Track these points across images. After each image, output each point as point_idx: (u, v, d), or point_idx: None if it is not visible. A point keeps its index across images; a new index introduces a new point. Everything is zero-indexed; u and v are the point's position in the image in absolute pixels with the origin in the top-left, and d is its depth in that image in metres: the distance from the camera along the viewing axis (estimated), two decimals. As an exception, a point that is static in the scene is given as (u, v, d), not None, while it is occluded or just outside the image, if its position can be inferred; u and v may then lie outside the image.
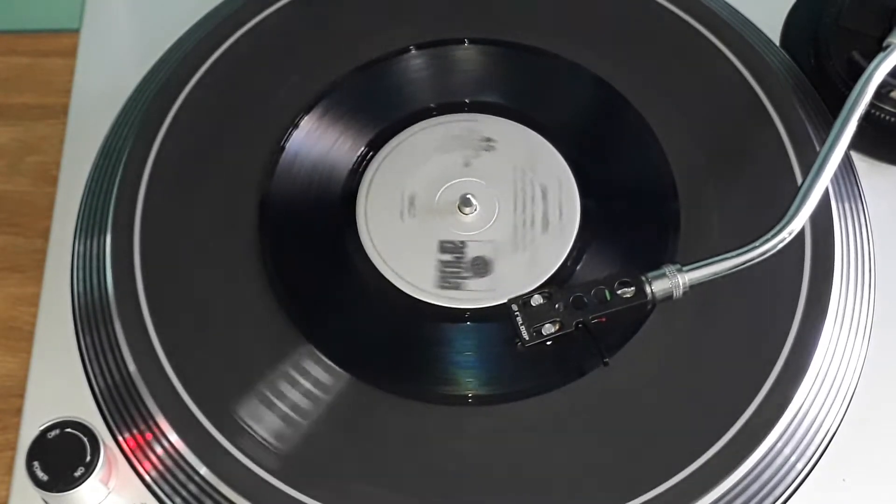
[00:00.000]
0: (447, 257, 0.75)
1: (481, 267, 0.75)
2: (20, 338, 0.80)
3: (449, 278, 0.75)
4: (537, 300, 0.71)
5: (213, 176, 0.78)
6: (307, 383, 0.71)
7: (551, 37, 0.82)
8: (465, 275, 0.75)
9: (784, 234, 0.71)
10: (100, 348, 0.74)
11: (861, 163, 0.80)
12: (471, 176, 0.78)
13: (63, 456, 0.68)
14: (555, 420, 0.70)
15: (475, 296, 0.74)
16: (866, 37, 0.79)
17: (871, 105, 0.76)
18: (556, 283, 0.74)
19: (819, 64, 0.81)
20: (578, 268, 0.75)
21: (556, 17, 0.83)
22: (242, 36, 0.82)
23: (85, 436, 0.68)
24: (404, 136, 0.80)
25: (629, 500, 0.67)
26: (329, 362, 0.72)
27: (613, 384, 0.71)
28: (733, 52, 0.81)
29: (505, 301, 0.72)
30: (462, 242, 0.76)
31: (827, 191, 0.74)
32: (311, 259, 0.76)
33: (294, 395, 0.71)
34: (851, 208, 0.77)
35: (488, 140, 0.80)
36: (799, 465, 0.70)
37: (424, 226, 0.77)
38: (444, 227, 0.77)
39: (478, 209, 0.77)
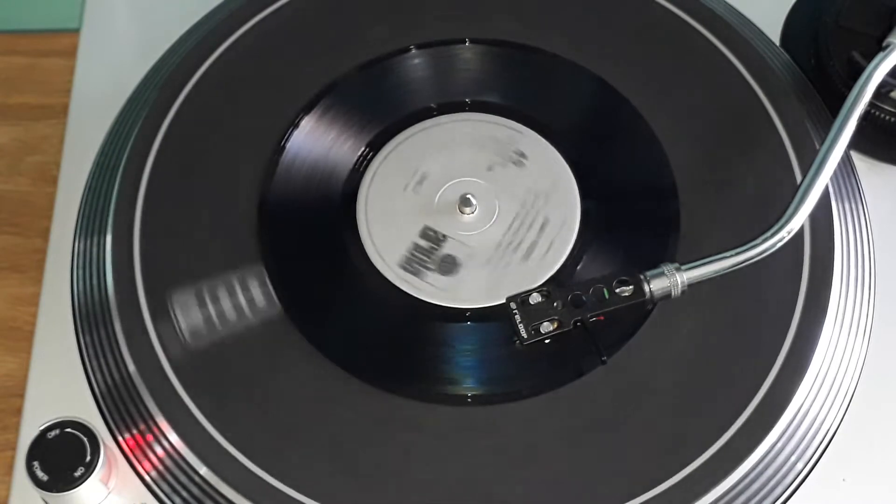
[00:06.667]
0: (423, 243, 0.75)
1: (449, 265, 0.75)
2: (20, 338, 0.80)
3: (413, 263, 0.75)
4: (536, 298, 0.71)
5: (213, 176, 0.78)
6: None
7: (552, 37, 0.82)
8: (430, 266, 0.75)
9: (783, 233, 0.71)
10: (100, 348, 0.74)
11: (861, 163, 0.80)
12: (470, 176, 0.78)
13: (63, 456, 0.68)
14: (553, 420, 0.70)
15: (475, 296, 0.74)
16: (866, 37, 0.79)
17: (871, 105, 0.76)
18: (555, 282, 0.74)
19: (819, 64, 0.81)
20: (578, 267, 0.75)
21: (556, 17, 0.83)
22: (242, 35, 0.82)
23: (85, 436, 0.68)
24: (405, 135, 0.80)
25: (628, 500, 0.67)
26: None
27: (612, 384, 0.71)
28: (733, 52, 0.81)
29: (504, 301, 0.72)
30: (443, 235, 0.76)
31: (827, 190, 0.74)
32: (312, 259, 0.76)
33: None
34: (851, 208, 0.77)
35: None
36: (799, 465, 0.70)
37: (424, 225, 0.77)
38: (443, 226, 0.77)
39: (477, 209, 0.77)
